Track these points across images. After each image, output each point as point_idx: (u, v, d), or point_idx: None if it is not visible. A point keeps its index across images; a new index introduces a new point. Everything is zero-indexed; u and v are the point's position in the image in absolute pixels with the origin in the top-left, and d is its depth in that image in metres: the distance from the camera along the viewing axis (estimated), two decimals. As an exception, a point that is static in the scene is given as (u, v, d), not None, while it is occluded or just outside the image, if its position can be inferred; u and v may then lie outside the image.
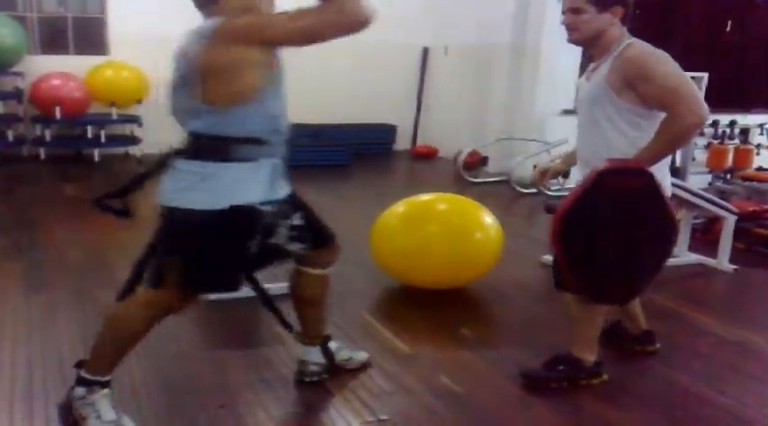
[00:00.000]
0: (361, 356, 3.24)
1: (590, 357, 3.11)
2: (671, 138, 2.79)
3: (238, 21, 2.31)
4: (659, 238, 2.86)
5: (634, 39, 2.91)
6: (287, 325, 2.91)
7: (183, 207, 2.42)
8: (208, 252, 2.45)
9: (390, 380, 3.12)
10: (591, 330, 3.10)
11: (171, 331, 3.35)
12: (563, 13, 2.96)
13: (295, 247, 2.73)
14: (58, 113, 7.88)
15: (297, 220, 2.71)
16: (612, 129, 2.92)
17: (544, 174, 3.50)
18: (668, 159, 3.06)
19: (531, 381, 3.09)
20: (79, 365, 2.59)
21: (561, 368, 3.10)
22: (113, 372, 2.57)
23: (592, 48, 3.01)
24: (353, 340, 3.51)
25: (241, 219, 2.44)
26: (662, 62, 2.81)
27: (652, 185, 2.76)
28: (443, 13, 9.29)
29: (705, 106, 2.74)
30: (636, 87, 2.81)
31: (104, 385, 2.55)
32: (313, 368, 3.04)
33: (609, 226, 2.77)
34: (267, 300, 2.78)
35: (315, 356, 3.05)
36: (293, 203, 2.71)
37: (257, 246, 2.52)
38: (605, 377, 3.13)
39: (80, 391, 2.53)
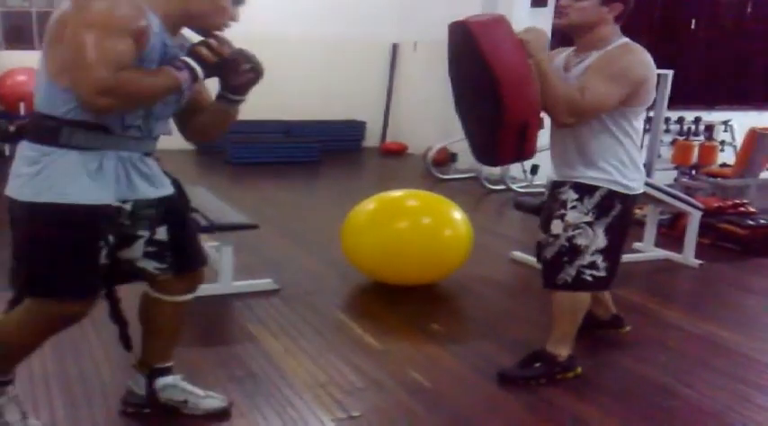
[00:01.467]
0: (210, 403, 2.69)
1: (565, 351, 3.12)
2: (561, 97, 2.74)
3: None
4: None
5: (627, 40, 2.89)
6: (126, 344, 2.55)
7: (13, 197, 2.16)
8: (37, 252, 2.17)
9: (362, 376, 3.12)
10: (570, 326, 3.11)
11: (139, 328, 3.32)
12: None
13: (150, 265, 2.39)
14: (22, 109, 7.75)
15: (160, 234, 2.36)
16: (596, 123, 2.89)
17: None
18: (639, 156, 3.05)
19: (510, 381, 3.09)
20: None
21: (538, 365, 3.11)
22: (14, 371, 2.41)
23: (578, 37, 2.93)
24: (325, 336, 3.51)
25: (77, 217, 2.14)
26: (628, 53, 2.81)
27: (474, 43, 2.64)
28: (412, 9, 9.31)
29: (585, 116, 2.78)
30: (589, 70, 2.82)
31: (6, 384, 2.38)
32: (129, 398, 2.67)
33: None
34: (119, 318, 2.50)
35: (137, 385, 2.65)
36: (164, 212, 2.36)
37: (107, 254, 2.23)
38: (579, 370, 3.16)
39: None
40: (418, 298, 4.10)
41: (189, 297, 2.55)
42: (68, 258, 2.18)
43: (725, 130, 9.01)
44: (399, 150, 9.76)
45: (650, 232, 5.29)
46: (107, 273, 2.29)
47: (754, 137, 7.17)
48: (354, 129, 9.95)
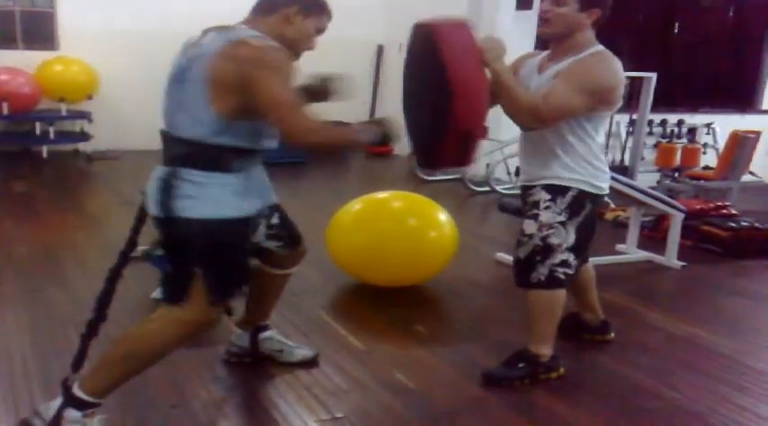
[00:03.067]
0: (301, 352, 3.23)
1: (547, 351, 3.14)
2: (521, 105, 2.77)
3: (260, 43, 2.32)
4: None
5: (602, 48, 2.91)
6: (228, 310, 2.80)
7: (194, 217, 2.33)
8: (223, 259, 2.41)
9: (345, 377, 3.12)
10: (550, 324, 3.12)
11: (122, 330, 3.30)
12: (542, 0, 2.94)
13: (272, 245, 2.86)
14: (5, 109, 7.71)
15: (275, 219, 2.82)
16: (553, 132, 2.92)
17: None
18: (603, 157, 3.08)
19: (494, 382, 3.10)
20: (66, 382, 2.43)
21: (521, 366, 3.12)
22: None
23: (558, 44, 2.96)
24: (309, 337, 3.51)
25: (243, 225, 2.46)
26: (600, 71, 2.84)
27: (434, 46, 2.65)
28: (398, 10, 9.31)
29: (552, 122, 2.82)
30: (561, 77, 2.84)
31: (98, 406, 2.42)
32: (233, 349, 3.15)
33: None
34: None
35: (241, 340, 3.15)
36: (274, 206, 2.80)
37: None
38: (562, 370, 3.18)
39: (74, 414, 2.36)
40: (402, 300, 4.11)
41: (295, 269, 3.09)
42: (241, 258, 2.53)
43: (707, 133, 9.08)
44: (384, 151, 9.76)
45: (633, 234, 5.32)
46: None
47: (737, 140, 7.23)
48: (340, 131, 9.95)
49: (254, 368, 3.13)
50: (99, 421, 2.44)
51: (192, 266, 2.36)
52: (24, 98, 7.86)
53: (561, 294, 3.10)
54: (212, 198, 2.35)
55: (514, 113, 2.82)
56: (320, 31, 2.64)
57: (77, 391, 2.38)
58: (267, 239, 2.84)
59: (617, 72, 2.89)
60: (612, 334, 3.63)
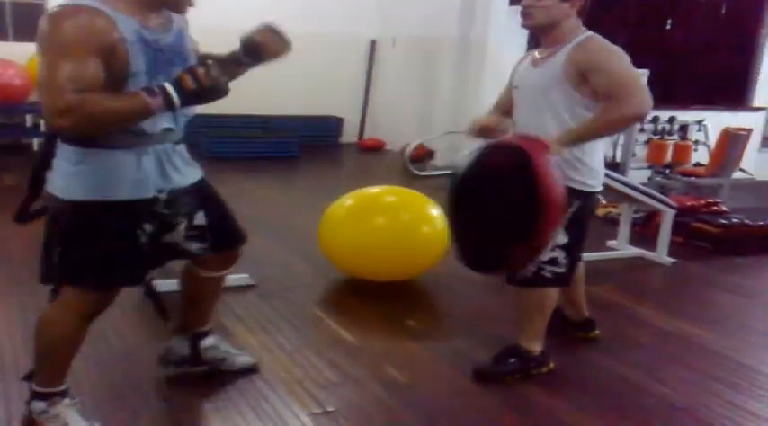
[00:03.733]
0: (243, 360, 3.06)
1: (537, 346, 3.16)
2: (607, 122, 2.83)
3: None
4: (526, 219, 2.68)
5: (592, 33, 2.94)
6: (164, 314, 2.71)
7: (57, 195, 2.25)
8: (87, 246, 2.28)
9: (337, 371, 3.12)
10: (540, 321, 3.14)
11: (114, 324, 3.29)
12: None
13: (193, 247, 2.55)
14: (-4, 100, 7.68)
15: (199, 219, 2.53)
16: (555, 120, 2.93)
17: (486, 129, 3.22)
18: (601, 154, 3.11)
19: (485, 377, 3.11)
20: (28, 377, 2.45)
21: (512, 360, 3.13)
22: (66, 379, 2.46)
23: (545, 35, 2.99)
24: (301, 331, 3.51)
25: (118, 212, 2.28)
26: (614, 54, 2.87)
27: (527, 167, 2.61)
28: (391, 5, 9.30)
29: (650, 101, 2.81)
30: (588, 78, 2.86)
31: (64, 394, 2.43)
32: (170, 356, 2.94)
33: (485, 199, 2.73)
34: (154, 293, 2.65)
35: (180, 347, 2.93)
36: (199, 197, 2.53)
37: (149, 242, 2.37)
38: (552, 365, 3.19)
39: (39, 405, 2.39)
40: (395, 294, 4.11)
41: (227, 271, 2.81)
42: (112, 248, 2.31)
43: (699, 130, 9.10)
44: (377, 146, 9.76)
45: (624, 230, 5.34)
46: (151, 254, 2.42)
47: (728, 136, 7.26)
48: (332, 125, 9.93)
49: (246, 362, 3.12)
50: (67, 406, 2.43)
51: (54, 246, 2.31)
52: (15, 90, 7.81)
53: (550, 292, 3.11)
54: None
55: (615, 128, 3.00)
56: None
57: (34, 385, 2.43)
58: (187, 240, 2.52)
59: (621, 54, 2.91)
60: (597, 332, 3.62)
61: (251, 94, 8.52)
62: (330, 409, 2.80)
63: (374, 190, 4.42)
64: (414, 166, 8.08)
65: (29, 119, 8.06)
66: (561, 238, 2.99)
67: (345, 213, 4.25)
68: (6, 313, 3.51)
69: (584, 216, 3.08)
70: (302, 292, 4.07)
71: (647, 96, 2.80)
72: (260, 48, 2.41)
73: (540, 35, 3.02)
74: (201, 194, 2.55)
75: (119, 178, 2.26)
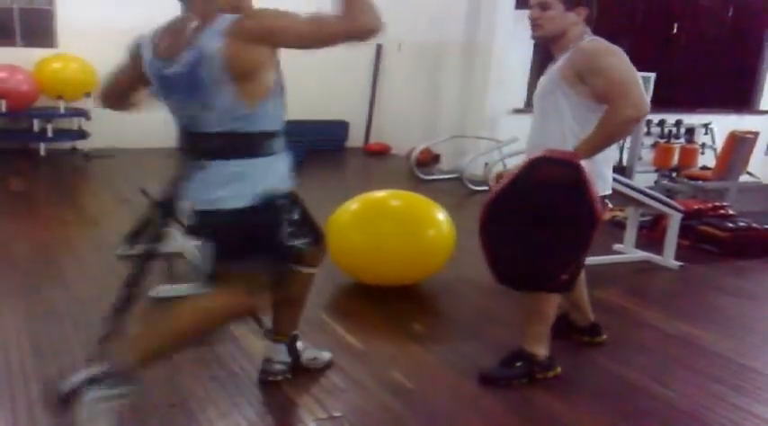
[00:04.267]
0: (326, 356, 3.21)
1: (543, 351, 3.15)
2: (610, 130, 2.84)
3: (252, 21, 2.30)
4: (575, 230, 2.85)
5: (595, 37, 2.98)
6: (259, 322, 2.92)
7: (233, 207, 2.38)
8: (272, 242, 2.47)
9: (343, 376, 3.12)
10: (542, 325, 3.14)
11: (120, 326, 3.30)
12: (530, 7, 3.01)
13: (298, 243, 2.70)
14: (3, 106, 7.70)
15: (296, 215, 2.68)
16: (559, 123, 2.97)
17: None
18: (611, 155, 3.13)
19: (492, 382, 3.10)
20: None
21: (518, 364, 3.13)
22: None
23: (553, 45, 3.05)
24: (307, 336, 3.50)
25: (278, 207, 2.48)
26: (611, 55, 2.88)
27: (579, 178, 2.76)
28: (397, 9, 9.31)
29: (646, 102, 2.81)
30: (586, 80, 2.88)
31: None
32: (277, 366, 3.01)
33: (529, 215, 2.83)
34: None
35: (280, 354, 3.02)
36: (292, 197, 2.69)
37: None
38: (559, 370, 3.18)
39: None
40: (400, 299, 4.11)
41: (318, 268, 3.00)
42: (281, 239, 2.51)
43: (705, 133, 9.09)
44: (383, 150, 9.77)
45: (631, 233, 5.33)
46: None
47: (734, 140, 7.24)
48: (338, 129, 9.94)
49: (251, 368, 3.13)
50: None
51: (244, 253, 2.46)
52: (22, 95, 7.85)
53: (551, 297, 3.10)
54: None
55: (618, 135, 3.00)
56: None
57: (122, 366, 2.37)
58: (291, 237, 2.65)
59: (617, 54, 2.91)
60: (604, 337, 3.60)
61: (257, 99, 8.57)
62: (336, 414, 2.80)
63: (380, 194, 4.42)
64: (419, 170, 8.09)
65: (36, 124, 8.09)
66: None
67: (351, 217, 4.25)
68: (13, 316, 3.52)
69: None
70: (308, 296, 4.06)
71: (643, 97, 2.80)
72: None
73: (550, 45, 3.08)
74: (293, 194, 2.69)
75: (275, 178, 2.48)
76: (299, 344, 3.10)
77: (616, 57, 2.88)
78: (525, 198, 2.83)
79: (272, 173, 2.47)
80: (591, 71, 2.87)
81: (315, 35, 2.33)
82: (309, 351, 3.15)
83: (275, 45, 2.35)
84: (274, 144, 2.49)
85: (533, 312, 3.13)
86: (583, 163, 2.78)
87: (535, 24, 3.00)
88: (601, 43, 2.95)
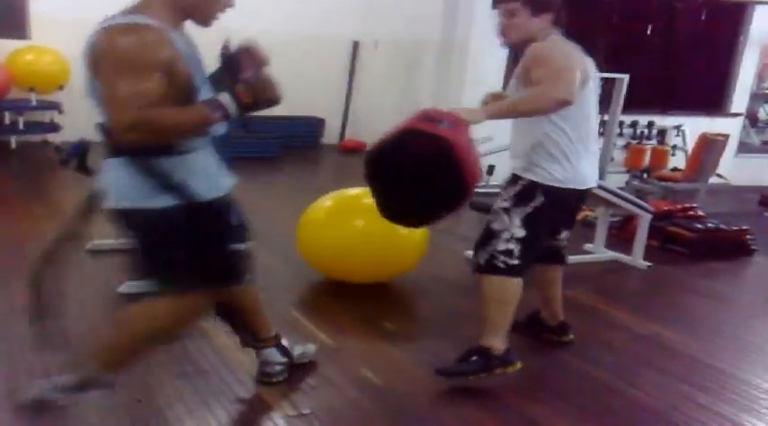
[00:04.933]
0: (311, 348, 3.24)
1: (500, 345, 3.12)
2: (530, 102, 2.77)
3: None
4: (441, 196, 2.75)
5: (555, 37, 2.97)
6: (243, 338, 2.95)
7: (149, 207, 2.28)
8: (187, 248, 2.35)
9: (314, 373, 3.13)
10: (498, 315, 3.11)
11: (89, 324, 3.28)
12: (498, 17, 3.04)
13: (238, 248, 2.57)
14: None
15: (235, 219, 2.57)
16: (527, 123, 3.01)
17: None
18: (593, 149, 3.15)
19: (449, 377, 3.11)
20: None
21: (474, 359, 3.11)
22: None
23: (521, 50, 3.03)
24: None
25: (202, 209, 2.34)
26: (555, 49, 2.89)
27: (444, 153, 2.61)
28: (374, 6, 9.31)
29: (575, 92, 2.75)
30: (531, 74, 2.85)
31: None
32: (277, 368, 3.01)
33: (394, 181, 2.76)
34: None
35: (275, 357, 3.00)
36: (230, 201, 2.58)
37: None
38: (519, 365, 3.15)
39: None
40: (372, 296, 4.12)
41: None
42: (212, 247, 2.43)
43: (677, 135, 9.18)
44: (358, 148, 9.75)
45: (601, 233, 5.39)
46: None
47: (705, 142, 7.33)
48: (313, 126, 9.91)
49: (221, 364, 3.13)
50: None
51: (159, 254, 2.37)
52: (-7, 87, 7.74)
53: (509, 283, 3.07)
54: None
55: (534, 110, 2.82)
56: None
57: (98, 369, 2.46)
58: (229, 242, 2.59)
59: (570, 53, 2.91)
60: (571, 337, 3.63)
61: (232, 94, 8.51)
62: (305, 411, 2.80)
63: (353, 191, 4.42)
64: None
65: (7, 117, 7.98)
66: (518, 231, 3.02)
67: (324, 214, 4.25)
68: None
69: (549, 213, 3.06)
70: (279, 293, 4.06)
71: (575, 86, 2.75)
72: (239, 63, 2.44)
73: (519, 50, 3.08)
74: (231, 198, 2.59)
75: (208, 176, 2.39)
76: (284, 341, 3.07)
77: (558, 51, 2.87)
78: (399, 158, 2.75)
79: (190, 173, 2.32)
80: (534, 63, 2.85)
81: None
82: (296, 348, 3.13)
83: None
84: (189, 141, 2.33)
85: (490, 300, 3.10)
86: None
87: (503, 32, 3.03)
88: (551, 40, 2.94)
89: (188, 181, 2.30)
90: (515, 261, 3.05)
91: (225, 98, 2.24)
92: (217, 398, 2.85)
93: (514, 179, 3.09)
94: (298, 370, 3.12)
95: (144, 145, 2.19)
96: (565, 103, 2.74)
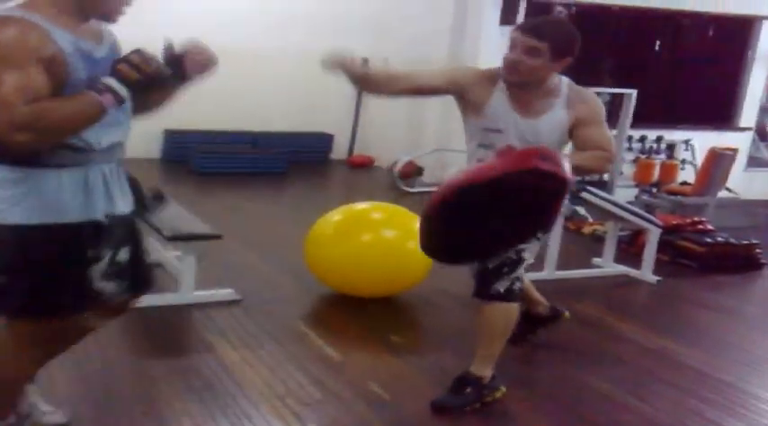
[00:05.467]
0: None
1: (489, 372, 3.07)
2: (596, 161, 2.90)
3: None
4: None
5: (565, 78, 2.95)
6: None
7: (6, 222, 2.07)
8: (33, 273, 2.12)
9: (320, 388, 3.12)
10: (499, 345, 3.06)
11: (97, 339, 3.29)
12: (511, 47, 2.80)
13: (107, 287, 2.23)
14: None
15: (123, 254, 2.26)
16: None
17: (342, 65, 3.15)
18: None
19: (446, 411, 3.01)
20: None
21: (468, 391, 3.03)
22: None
23: (523, 89, 2.87)
24: (284, 346, 3.51)
25: (65, 236, 2.12)
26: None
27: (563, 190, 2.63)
28: (383, 24, 9.37)
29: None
30: (590, 127, 2.90)
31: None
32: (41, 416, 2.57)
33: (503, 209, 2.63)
34: None
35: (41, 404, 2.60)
36: (129, 230, 2.32)
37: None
38: (503, 389, 3.09)
39: None
40: (379, 310, 4.12)
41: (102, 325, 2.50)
42: (65, 274, 2.16)
43: (686, 149, 9.16)
44: (366, 163, 9.78)
45: (610, 248, 5.36)
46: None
47: (714, 156, 7.31)
48: (322, 141, 9.95)
49: (228, 379, 3.13)
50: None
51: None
52: None
53: (516, 309, 3.06)
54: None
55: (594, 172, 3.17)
56: None
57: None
58: (104, 278, 2.23)
59: None
60: (567, 313, 3.66)
61: (240, 110, 8.55)
62: (311, 425, 2.80)
63: (361, 206, 4.44)
64: (403, 183, 8.11)
65: None
66: (529, 257, 3.00)
67: (332, 229, 4.26)
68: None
69: None
70: (287, 307, 4.07)
71: None
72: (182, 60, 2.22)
73: (519, 88, 2.87)
74: (132, 227, 2.35)
75: (65, 199, 2.10)
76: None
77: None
78: (506, 195, 2.60)
79: (65, 191, 2.09)
80: (598, 117, 2.93)
81: None
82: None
83: None
84: (64, 155, 2.08)
85: (497, 327, 3.03)
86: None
87: (515, 68, 2.78)
88: (586, 90, 3.01)
89: (46, 199, 2.08)
90: (521, 285, 3.05)
91: (108, 80, 2.02)
92: (223, 413, 2.85)
93: None
94: (303, 384, 3.12)
95: (31, 150, 1.99)
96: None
